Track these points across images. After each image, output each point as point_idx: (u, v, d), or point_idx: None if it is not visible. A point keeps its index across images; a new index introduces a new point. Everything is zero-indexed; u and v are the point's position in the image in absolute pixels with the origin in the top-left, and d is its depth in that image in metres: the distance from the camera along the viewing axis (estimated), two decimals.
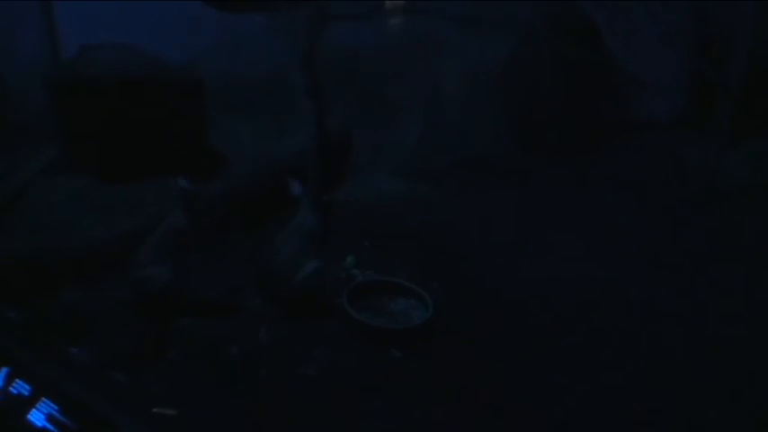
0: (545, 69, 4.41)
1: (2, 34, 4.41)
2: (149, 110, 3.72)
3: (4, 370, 1.96)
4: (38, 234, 3.18)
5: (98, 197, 3.45)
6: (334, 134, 3.90)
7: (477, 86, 4.36)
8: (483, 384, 2.51)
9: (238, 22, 4.65)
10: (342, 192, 3.76)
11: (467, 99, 4.35)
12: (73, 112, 3.73)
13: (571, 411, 2.40)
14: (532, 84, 4.42)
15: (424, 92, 4.40)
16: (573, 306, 2.99)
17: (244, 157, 3.81)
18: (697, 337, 2.81)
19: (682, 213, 3.80)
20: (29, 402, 1.90)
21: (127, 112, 3.68)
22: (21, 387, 1.93)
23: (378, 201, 3.84)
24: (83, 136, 3.73)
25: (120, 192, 3.50)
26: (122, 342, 2.57)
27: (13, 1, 4.42)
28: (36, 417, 1.88)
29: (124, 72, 3.79)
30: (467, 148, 4.29)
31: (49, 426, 1.86)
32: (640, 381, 2.56)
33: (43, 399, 1.90)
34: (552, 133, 4.33)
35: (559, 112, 4.38)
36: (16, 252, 2.98)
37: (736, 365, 2.66)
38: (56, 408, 1.88)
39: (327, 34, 4.47)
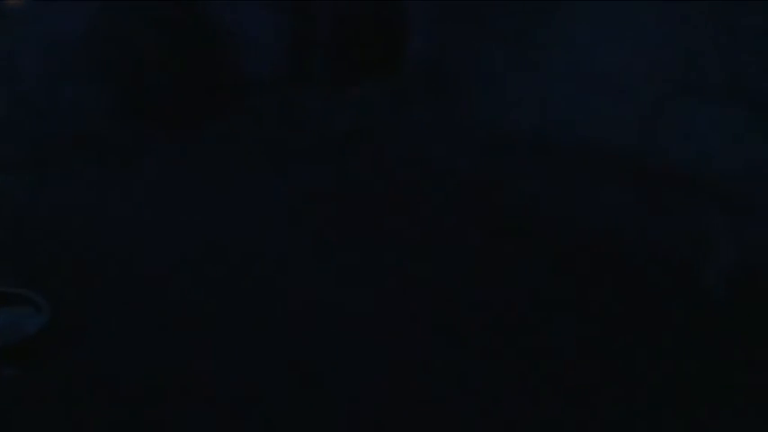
0: (139, 33, 4.11)
1: None
2: None
3: None
4: None
5: None
6: None
7: (61, 59, 3.91)
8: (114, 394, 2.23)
9: None
10: None
11: (52, 74, 3.88)
12: None
13: (227, 393, 2.25)
14: (127, 50, 4.09)
15: None
16: (212, 287, 2.80)
17: None
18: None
19: (301, 163, 3.87)
20: None
21: None
22: None
23: None
24: None
25: None
26: None
27: None
28: None
29: None
30: (64, 128, 3.84)
31: None
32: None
33: None
34: (158, 100, 4.09)
35: (163, 77, 4.14)
36: None
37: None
38: None
39: None
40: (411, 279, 2.85)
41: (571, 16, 3.85)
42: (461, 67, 4.33)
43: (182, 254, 3.00)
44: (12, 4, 3.98)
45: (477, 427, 2.08)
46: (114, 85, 4.11)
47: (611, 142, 3.68)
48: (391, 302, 2.69)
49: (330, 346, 2.44)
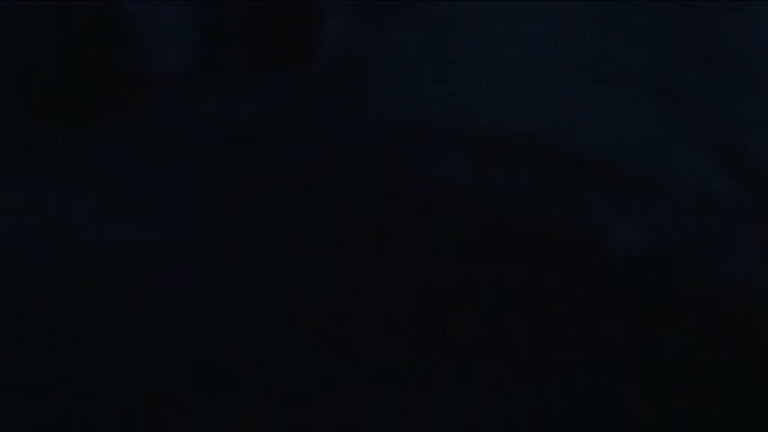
0: (35, 24, 3.94)
1: None
2: None
3: None
4: None
5: None
6: None
7: None
8: None
9: None
10: None
11: None
12: None
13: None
14: (23, 42, 3.92)
15: None
16: (103, 292, 2.69)
17: None
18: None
19: (210, 155, 3.79)
20: None
21: None
22: None
23: None
24: None
25: None
26: None
27: None
28: None
29: None
30: None
31: None
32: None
33: None
34: (57, 95, 3.93)
35: (61, 70, 3.98)
36: None
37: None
38: None
39: None
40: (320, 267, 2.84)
41: (485, 6, 3.91)
42: (377, 55, 4.34)
43: (74, 257, 2.89)
44: None
45: None
46: (9, 79, 3.94)
47: (522, 128, 3.76)
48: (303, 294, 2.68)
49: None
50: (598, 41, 3.62)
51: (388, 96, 4.17)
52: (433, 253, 2.94)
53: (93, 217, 3.17)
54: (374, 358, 2.33)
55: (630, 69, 3.56)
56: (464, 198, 3.40)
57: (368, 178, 3.57)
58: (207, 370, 2.25)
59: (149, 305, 2.57)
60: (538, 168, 3.58)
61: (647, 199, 3.29)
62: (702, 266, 2.89)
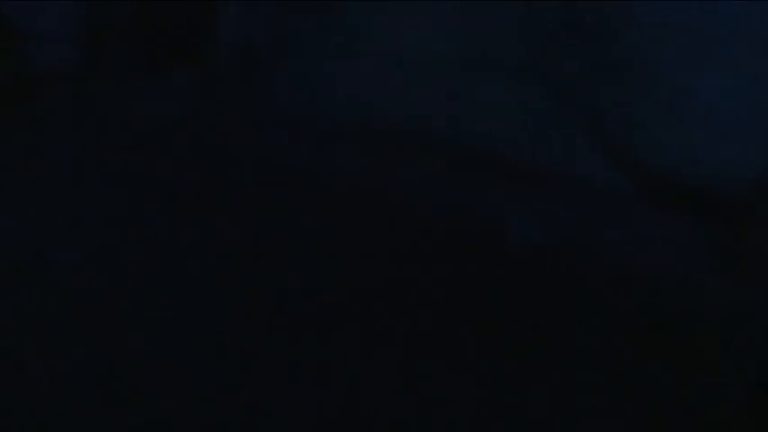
0: None
1: None
2: None
3: None
4: None
5: None
6: None
7: None
8: None
9: None
10: None
11: None
12: None
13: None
14: None
15: None
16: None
17: None
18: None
19: (100, 165, 3.66)
20: None
21: None
22: None
23: None
24: None
25: None
26: None
27: None
28: None
29: None
30: None
31: None
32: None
33: None
34: None
35: None
36: None
37: None
38: None
39: None
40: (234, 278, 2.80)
41: (380, 5, 3.94)
42: (274, 53, 4.31)
43: None
44: None
45: None
46: None
47: (418, 123, 3.82)
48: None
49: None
50: (490, 38, 3.71)
51: (286, 95, 4.16)
52: (342, 251, 2.95)
53: None
54: (298, 357, 2.32)
55: (521, 65, 3.66)
56: (366, 196, 3.43)
57: (269, 179, 3.55)
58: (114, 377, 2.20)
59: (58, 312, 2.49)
60: (436, 164, 3.64)
61: (540, 190, 3.40)
62: (594, 253, 3.01)
